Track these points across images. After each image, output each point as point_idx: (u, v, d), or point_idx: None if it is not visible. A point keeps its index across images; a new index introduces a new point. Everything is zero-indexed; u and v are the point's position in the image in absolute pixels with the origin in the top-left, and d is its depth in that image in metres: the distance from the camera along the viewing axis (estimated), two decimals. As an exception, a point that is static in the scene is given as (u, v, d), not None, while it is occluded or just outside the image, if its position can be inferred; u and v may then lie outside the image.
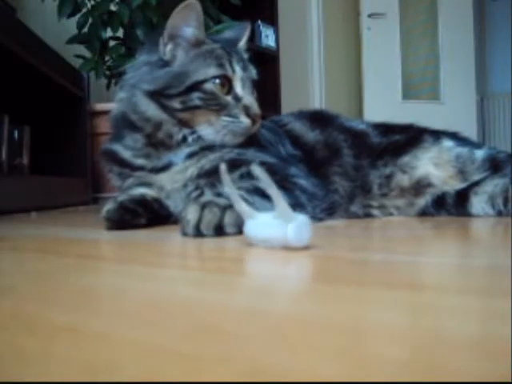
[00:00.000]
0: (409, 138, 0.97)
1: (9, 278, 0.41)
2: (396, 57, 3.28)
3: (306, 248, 0.48)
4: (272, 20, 2.99)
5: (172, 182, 0.80)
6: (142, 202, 0.77)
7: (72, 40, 1.70)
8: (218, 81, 0.80)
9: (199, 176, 0.79)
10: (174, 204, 0.80)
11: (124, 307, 0.30)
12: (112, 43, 1.80)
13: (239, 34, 0.90)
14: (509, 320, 0.24)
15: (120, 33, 1.75)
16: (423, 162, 0.94)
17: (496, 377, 0.17)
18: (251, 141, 0.83)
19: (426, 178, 0.93)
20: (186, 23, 0.81)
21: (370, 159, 0.94)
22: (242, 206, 0.50)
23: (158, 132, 0.82)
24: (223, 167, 0.50)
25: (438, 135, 0.98)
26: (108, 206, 0.75)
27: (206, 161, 0.79)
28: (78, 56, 1.74)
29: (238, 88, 0.81)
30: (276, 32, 3.00)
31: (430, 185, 0.92)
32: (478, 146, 1.01)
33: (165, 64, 0.82)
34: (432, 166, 0.93)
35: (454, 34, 3.37)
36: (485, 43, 3.97)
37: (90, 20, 1.66)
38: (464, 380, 0.17)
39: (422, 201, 0.93)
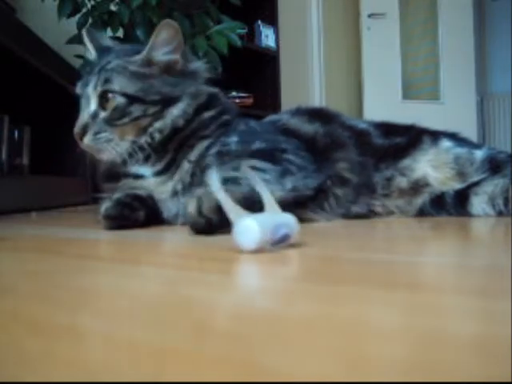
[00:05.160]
0: (409, 140, 0.97)
1: (9, 278, 0.41)
2: (396, 57, 3.28)
3: (306, 248, 0.48)
4: (272, 20, 2.98)
5: (157, 192, 0.81)
6: (136, 197, 0.78)
7: (72, 40, 1.70)
8: None
9: (186, 188, 0.80)
10: (166, 210, 0.81)
11: (124, 307, 0.30)
12: (112, 43, 1.80)
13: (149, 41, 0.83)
14: (509, 320, 0.24)
15: (120, 33, 1.75)
16: (421, 164, 0.93)
17: (496, 377, 0.17)
18: (233, 128, 0.84)
19: (423, 178, 0.92)
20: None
21: (373, 160, 0.94)
22: (230, 206, 0.50)
23: None
24: (214, 172, 0.51)
25: (436, 136, 0.98)
26: (105, 205, 0.75)
27: (183, 173, 0.80)
28: (78, 56, 1.74)
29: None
30: (276, 32, 3.00)
31: (427, 184, 0.92)
32: (477, 146, 1.01)
33: None
34: (430, 168, 0.93)
35: (453, 34, 3.36)
36: (485, 43, 3.96)
37: (90, 20, 1.66)
38: (464, 380, 0.17)
39: (420, 200, 0.92)
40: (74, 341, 0.23)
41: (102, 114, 0.80)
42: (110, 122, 0.80)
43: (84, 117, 0.80)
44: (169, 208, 0.80)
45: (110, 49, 0.87)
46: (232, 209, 0.49)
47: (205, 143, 0.81)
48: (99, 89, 0.80)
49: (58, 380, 0.18)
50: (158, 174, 0.82)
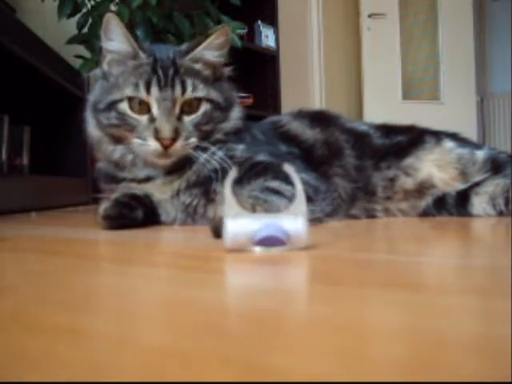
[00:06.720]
0: (411, 139, 0.97)
1: (9, 278, 0.41)
2: (396, 57, 3.28)
3: (307, 248, 0.48)
4: (272, 20, 2.98)
5: (159, 192, 0.80)
6: (134, 197, 0.78)
7: (72, 40, 1.70)
8: (126, 103, 0.76)
9: (189, 187, 0.80)
10: (165, 213, 0.81)
11: (124, 307, 0.30)
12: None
13: (199, 42, 0.81)
14: (509, 320, 0.24)
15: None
16: (426, 163, 0.93)
17: (496, 377, 0.17)
18: (240, 137, 0.83)
19: (429, 179, 0.92)
20: (108, 37, 0.79)
21: (373, 161, 0.93)
22: (228, 205, 0.50)
23: (100, 151, 0.83)
24: (233, 173, 0.51)
25: (438, 136, 0.98)
26: (104, 205, 0.76)
27: (191, 173, 0.80)
28: (78, 56, 1.74)
29: (154, 109, 0.76)
30: (276, 32, 2.99)
31: (432, 186, 0.92)
32: (478, 146, 1.01)
33: (104, 76, 0.82)
34: (435, 167, 0.92)
35: (453, 34, 3.37)
36: (485, 43, 3.96)
37: (90, 20, 1.66)
38: (464, 380, 0.17)
39: (424, 202, 0.92)
40: (74, 341, 0.23)
41: (189, 119, 0.78)
42: (198, 126, 0.79)
43: (172, 121, 0.75)
44: (167, 211, 0.81)
45: (145, 44, 0.83)
46: (227, 209, 0.49)
47: (214, 147, 0.81)
48: (189, 95, 0.77)
49: (59, 380, 0.18)
50: (169, 172, 0.80)
